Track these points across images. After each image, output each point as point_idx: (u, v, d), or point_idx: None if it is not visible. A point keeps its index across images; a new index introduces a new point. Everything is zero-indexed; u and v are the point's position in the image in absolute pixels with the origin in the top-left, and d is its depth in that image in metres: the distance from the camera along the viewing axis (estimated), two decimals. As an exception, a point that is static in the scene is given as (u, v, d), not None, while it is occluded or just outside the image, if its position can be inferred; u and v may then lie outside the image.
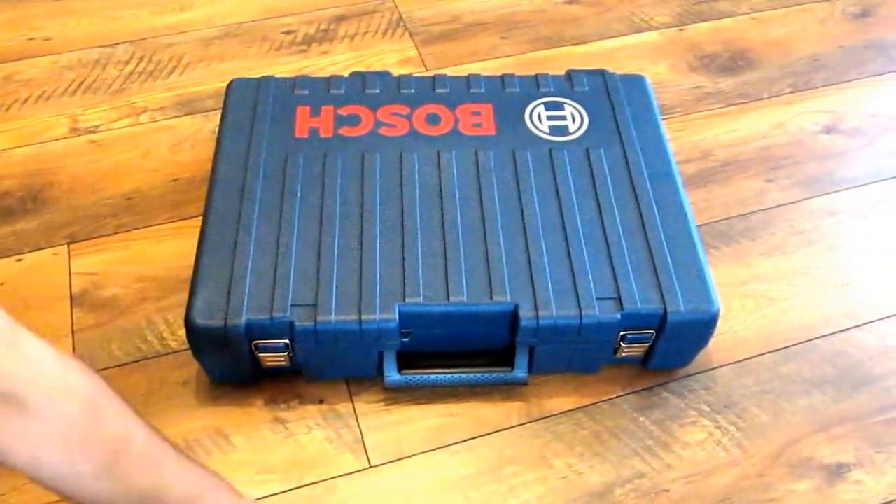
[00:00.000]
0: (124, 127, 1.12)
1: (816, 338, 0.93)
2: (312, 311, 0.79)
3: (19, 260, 0.97)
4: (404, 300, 0.80)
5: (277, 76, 1.01)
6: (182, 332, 0.90)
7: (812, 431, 0.85)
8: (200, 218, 0.87)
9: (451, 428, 0.85)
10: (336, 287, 0.81)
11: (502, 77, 1.01)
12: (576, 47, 1.26)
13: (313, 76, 1.01)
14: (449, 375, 0.84)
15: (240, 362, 0.83)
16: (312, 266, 0.82)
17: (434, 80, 1.01)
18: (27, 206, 1.03)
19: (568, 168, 0.92)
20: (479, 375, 0.85)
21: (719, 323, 0.83)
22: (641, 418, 0.86)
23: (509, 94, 0.99)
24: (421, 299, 0.80)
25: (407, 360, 0.84)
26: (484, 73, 1.02)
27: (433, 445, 0.84)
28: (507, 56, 1.24)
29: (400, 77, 1.01)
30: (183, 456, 0.62)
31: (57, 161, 1.08)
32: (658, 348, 0.84)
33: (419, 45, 1.26)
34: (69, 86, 1.18)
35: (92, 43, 1.24)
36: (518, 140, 0.94)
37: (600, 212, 0.88)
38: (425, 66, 1.22)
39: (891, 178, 1.09)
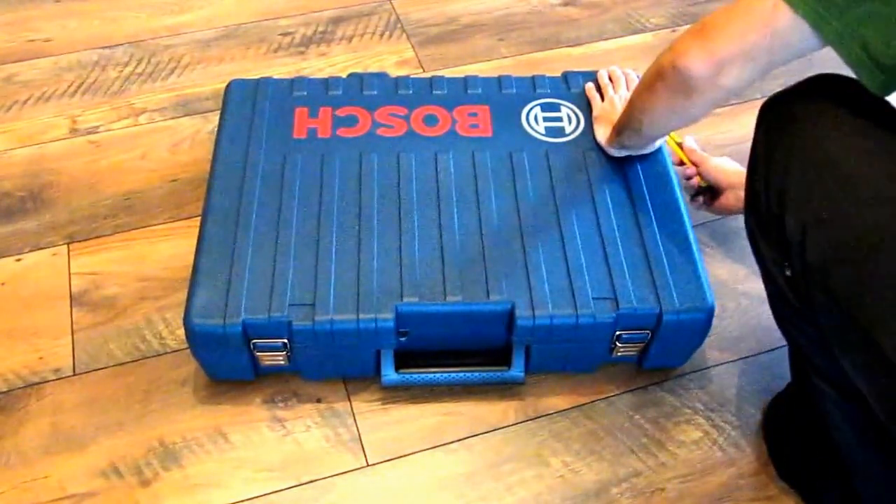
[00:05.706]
0: (124, 128, 1.13)
1: (811, 337, 0.93)
2: (310, 310, 0.80)
3: (19, 260, 0.98)
4: (401, 300, 0.81)
5: (276, 77, 1.01)
6: (181, 332, 0.90)
7: (806, 430, 0.86)
8: (199, 218, 0.87)
9: (448, 426, 0.85)
10: (334, 287, 0.81)
11: (499, 78, 1.02)
12: (572, 49, 1.27)
13: (311, 77, 1.01)
14: (446, 374, 0.85)
15: (238, 361, 0.83)
16: (310, 266, 0.83)
17: (431, 82, 1.01)
18: (27, 206, 1.03)
19: (564, 169, 0.92)
20: (476, 374, 0.85)
21: (714, 322, 0.83)
22: (637, 417, 0.87)
23: (506, 96, 1.00)
24: (418, 299, 0.81)
25: (404, 360, 0.85)
26: (481, 75, 1.02)
27: (431, 444, 0.84)
28: (504, 58, 1.25)
29: (397, 78, 1.01)
30: None
31: (56, 162, 1.08)
32: (653, 347, 0.85)
33: (416, 46, 1.26)
34: (69, 87, 1.18)
35: (91, 44, 1.25)
36: (515, 141, 0.95)
37: (596, 212, 0.88)
38: (423, 68, 1.23)
39: (885, 179, 1.09)
